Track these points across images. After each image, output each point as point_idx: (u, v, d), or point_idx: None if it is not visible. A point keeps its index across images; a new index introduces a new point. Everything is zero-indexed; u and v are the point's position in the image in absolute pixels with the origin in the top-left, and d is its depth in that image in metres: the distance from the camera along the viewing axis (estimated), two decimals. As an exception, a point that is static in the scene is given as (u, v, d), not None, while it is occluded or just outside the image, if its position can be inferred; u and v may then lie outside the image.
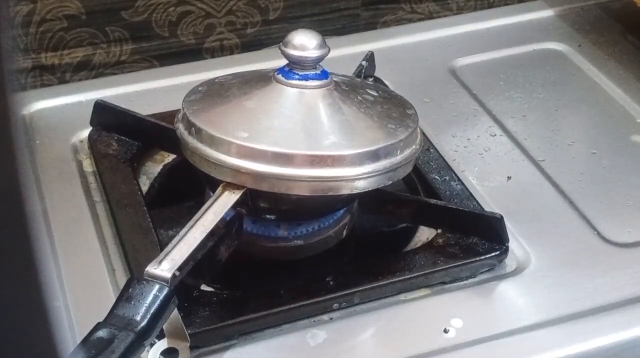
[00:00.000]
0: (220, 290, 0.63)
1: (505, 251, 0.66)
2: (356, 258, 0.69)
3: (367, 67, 0.80)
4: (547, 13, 0.97)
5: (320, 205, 0.65)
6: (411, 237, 0.70)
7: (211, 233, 0.59)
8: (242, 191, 0.60)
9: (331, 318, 0.62)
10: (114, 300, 0.55)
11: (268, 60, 0.83)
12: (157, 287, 0.55)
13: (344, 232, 0.68)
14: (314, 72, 0.65)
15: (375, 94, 0.69)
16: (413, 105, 0.69)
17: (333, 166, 0.60)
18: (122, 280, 0.64)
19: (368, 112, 0.65)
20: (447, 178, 0.72)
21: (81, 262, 0.66)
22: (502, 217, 0.65)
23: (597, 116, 0.82)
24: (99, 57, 0.93)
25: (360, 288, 0.63)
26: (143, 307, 0.54)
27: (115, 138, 0.77)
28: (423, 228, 0.70)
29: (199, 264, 0.58)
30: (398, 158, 0.63)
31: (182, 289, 0.56)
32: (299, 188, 0.60)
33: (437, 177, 0.73)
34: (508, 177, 0.74)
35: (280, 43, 0.65)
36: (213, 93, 0.67)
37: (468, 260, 0.65)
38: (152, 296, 0.54)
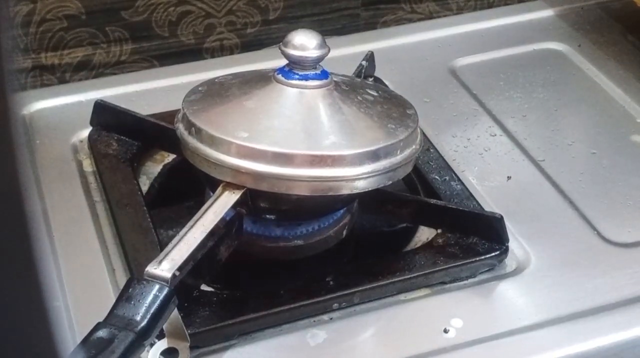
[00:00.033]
0: (220, 290, 0.63)
1: (505, 251, 0.66)
2: (356, 258, 0.69)
3: (367, 67, 0.80)
4: (547, 13, 0.97)
5: (320, 205, 0.65)
6: (411, 237, 0.70)
7: (211, 233, 0.59)
8: (242, 191, 0.60)
9: (331, 318, 0.62)
10: (114, 300, 0.55)
11: (268, 60, 0.83)
12: (157, 287, 0.55)
13: (344, 232, 0.68)
14: (314, 72, 0.65)
15: (375, 93, 0.69)
16: (413, 105, 0.69)
17: (333, 166, 0.60)
18: (122, 280, 0.64)
19: (368, 112, 0.65)
20: (447, 178, 0.72)
21: (81, 262, 0.66)
22: (502, 217, 0.65)
23: (597, 116, 0.82)
24: (99, 57, 0.93)
25: (360, 288, 0.63)
26: (143, 307, 0.54)
27: (115, 138, 0.77)
28: (423, 228, 0.70)
29: (199, 264, 0.58)
30: (398, 158, 0.63)
31: (182, 289, 0.56)
32: (299, 188, 0.60)
33: (437, 177, 0.73)
34: (508, 177, 0.74)
35: (280, 43, 0.65)
36: (213, 93, 0.67)
37: (468, 260, 0.65)
38: (152, 296, 0.54)
